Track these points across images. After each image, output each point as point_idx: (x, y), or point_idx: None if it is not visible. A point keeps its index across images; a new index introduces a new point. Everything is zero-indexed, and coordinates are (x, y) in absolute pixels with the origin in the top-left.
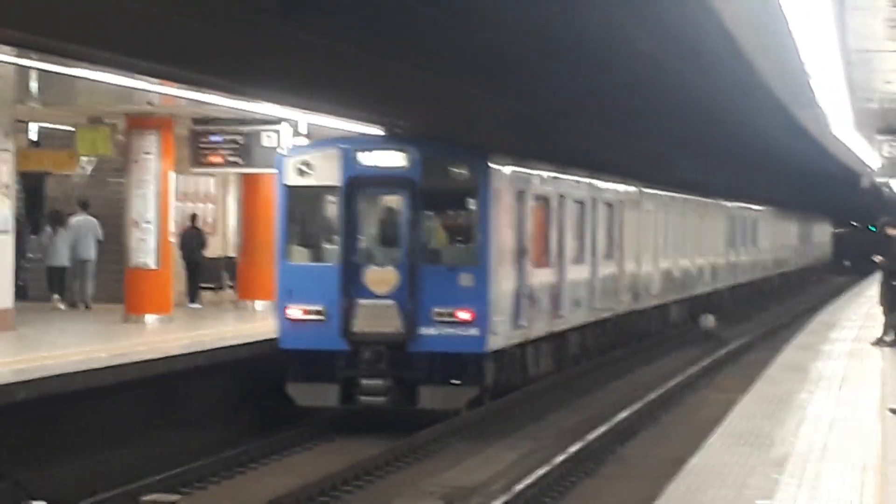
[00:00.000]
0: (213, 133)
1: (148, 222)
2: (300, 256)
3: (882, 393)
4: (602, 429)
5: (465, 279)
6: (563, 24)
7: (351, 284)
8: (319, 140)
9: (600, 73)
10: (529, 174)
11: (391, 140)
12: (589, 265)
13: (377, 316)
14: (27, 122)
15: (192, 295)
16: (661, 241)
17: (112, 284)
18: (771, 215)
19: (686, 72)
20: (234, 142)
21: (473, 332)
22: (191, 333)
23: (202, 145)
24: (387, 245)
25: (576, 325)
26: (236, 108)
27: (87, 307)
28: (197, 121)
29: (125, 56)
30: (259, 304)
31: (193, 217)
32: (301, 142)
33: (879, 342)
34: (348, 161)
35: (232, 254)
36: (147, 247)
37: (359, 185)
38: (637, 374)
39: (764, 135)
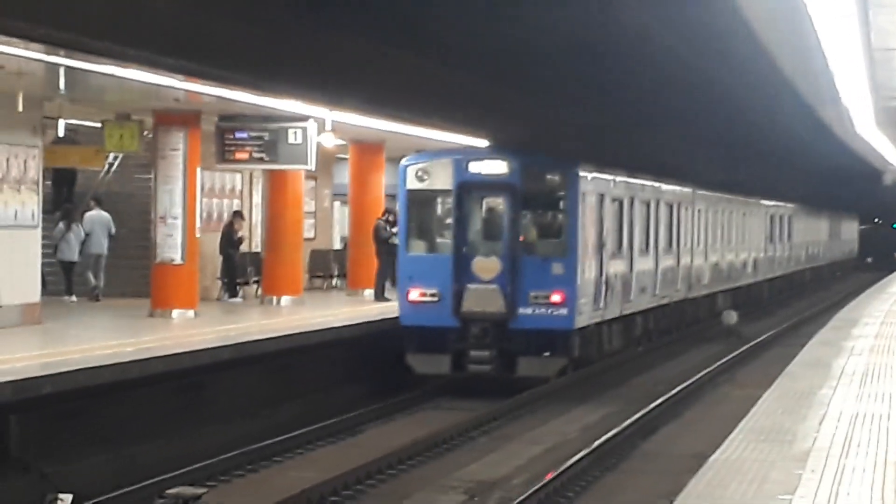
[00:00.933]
0: (240, 129)
1: (175, 218)
2: (419, 248)
3: None
4: (624, 424)
5: (557, 268)
6: (601, 33)
7: (461, 272)
8: (436, 151)
9: (640, 77)
10: (607, 179)
11: (495, 151)
12: (652, 258)
13: (483, 298)
14: (56, 119)
15: (232, 289)
16: (710, 237)
17: (138, 279)
18: (803, 213)
19: (713, 71)
20: (261, 138)
21: (563, 312)
22: (216, 328)
23: (228, 142)
24: (491, 239)
25: (641, 309)
26: (263, 105)
27: (96, 299)
28: (223, 117)
29: (153, 53)
30: (285, 300)
31: (235, 213)
32: (417, 155)
33: None
34: (459, 169)
35: (257, 249)
36: (174, 242)
37: (468, 188)
38: (659, 369)
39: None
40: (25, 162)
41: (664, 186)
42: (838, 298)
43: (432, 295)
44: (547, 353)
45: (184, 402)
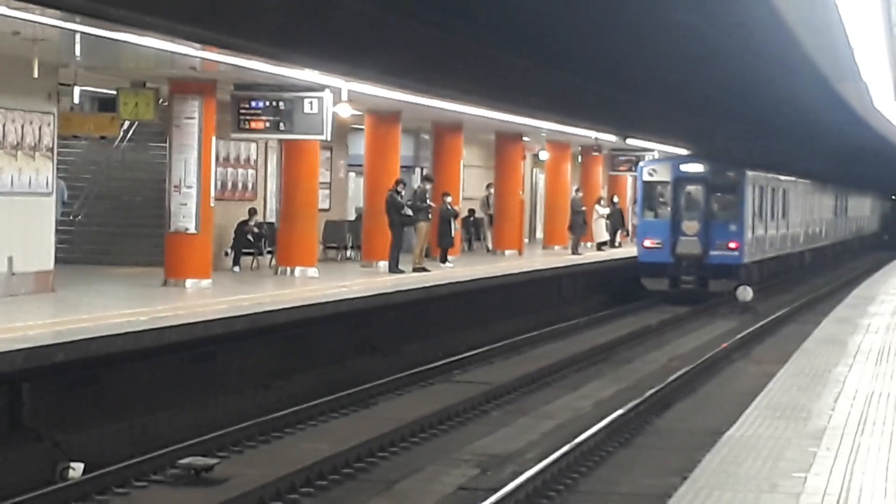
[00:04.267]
0: (255, 99)
1: (189, 187)
2: (650, 216)
3: None
4: (638, 400)
5: (732, 228)
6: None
7: (675, 229)
8: (660, 157)
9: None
10: (757, 174)
11: (695, 158)
12: (776, 224)
13: (688, 245)
14: (71, 86)
15: (236, 259)
16: (803, 213)
17: (152, 248)
18: (853, 193)
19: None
20: (276, 108)
21: (736, 254)
22: (229, 298)
23: (244, 111)
24: (692, 210)
25: (771, 257)
26: (278, 75)
27: None
28: (239, 86)
29: (170, 21)
30: (298, 271)
31: (250, 210)
32: (648, 161)
33: None
34: (675, 168)
35: (271, 220)
36: (188, 211)
37: (679, 180)
38: (674, 345)
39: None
40: (40, 129)
41: (780, 177)
42: (854, 276)
43: (658, 243)
44: (726, 278)
45: (196, 372)
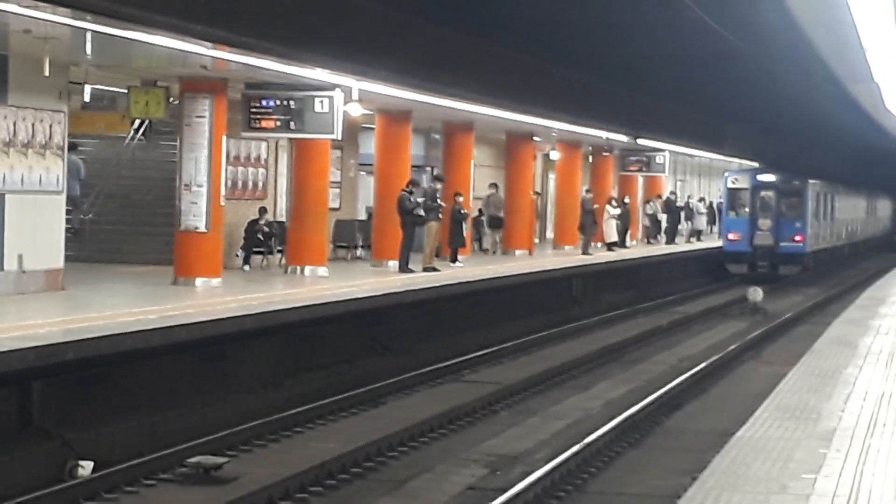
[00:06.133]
0: (266, 98)
1: (200, 185)
2: (733, 215)
3: None
4: (648, 400)
5: (798, 225)
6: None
7: (753, 225)
8: (741, 169)
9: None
10: (815, 182)
11: (768, 170)
12: (828, 223)
13: (763, 237)
14: (82, 84)
15: (247, 259)
16: (844, 213)
17: (163, 247)
18: (879, 195)
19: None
20: (287, 107)
21: (801, 245)
22: (239, 297)
23: (255, 110)
24: (766, 211)
25: (824, 248)
26: (289, 74)
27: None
28: (250, 85)
29: (181, 20)
30: (308, 270)
31: (260, 210)
32: (731, 171)
33: None
34: (753, 178)
35: (282, 218)
36: (198, 210)
37: (756, 187)
38: (684, 346)
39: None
40: (51, 127)
41: (829, 184)
42: (865, 277)
43: (739, 236)
44: (793, 265)
45: (206, 371)
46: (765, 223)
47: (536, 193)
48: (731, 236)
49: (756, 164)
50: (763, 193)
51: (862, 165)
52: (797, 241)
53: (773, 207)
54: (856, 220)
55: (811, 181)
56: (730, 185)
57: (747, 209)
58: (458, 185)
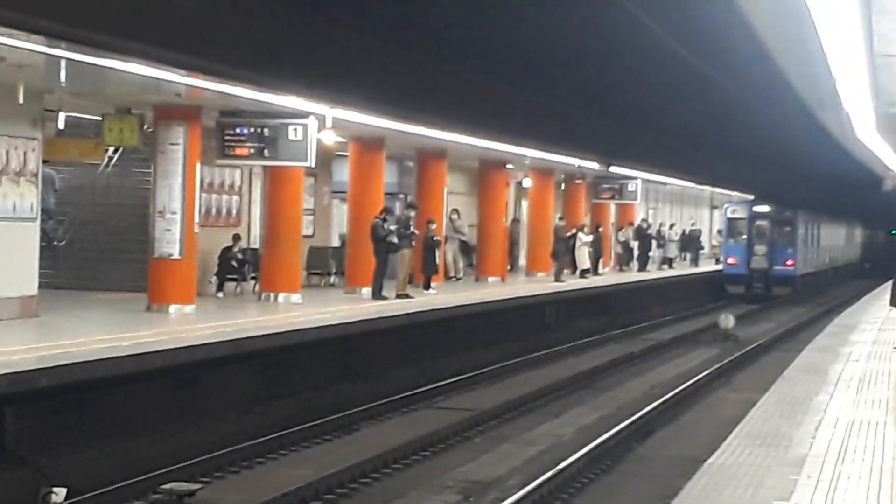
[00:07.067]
0: (240, 125)
1: (174, 213)
2: (732, 242)
3: None
4: (619, 427)
5: (790, 251)
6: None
7: (749, 251)
8: (738, 200)
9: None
10: (803, 213)
11: (763, 202)
12: (815, 249)
13: (759, 262)
14: (56, 111)
15: (220, 285)
16: (828, 240)
17: (136, 274)
18: (855, 224)
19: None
20: (261, 135)
21: (792, 269)
22: (212, 324)
23: (229, 137)
24: (761, 238)
25: (812, 271)
26: (263, 101)
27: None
28: (224, 113)
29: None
30: (282, 297)
31: (234, 236)
32: (730, 202)
33: None
34: (749, 209)
35: (256, 246)
36: (172, 237)
37: (753, 216)
38: (656, 372)
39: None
40: (25, 154)
41: (815, 216)
42: (836, 304)
43: (737, 261)
44: (785, 287)
45: (179, 398)
46: (760, 249)
47: (515, 220)
48: (730, 260)
49: (751, 196)
50: (759, 222)
51: (835, 194)
52: (789, 266)
53: (767, 235)
54: (837, 247)
55: (801, 211)
56: (729, 215)
57: (744, 237)
58: (431, 213)
